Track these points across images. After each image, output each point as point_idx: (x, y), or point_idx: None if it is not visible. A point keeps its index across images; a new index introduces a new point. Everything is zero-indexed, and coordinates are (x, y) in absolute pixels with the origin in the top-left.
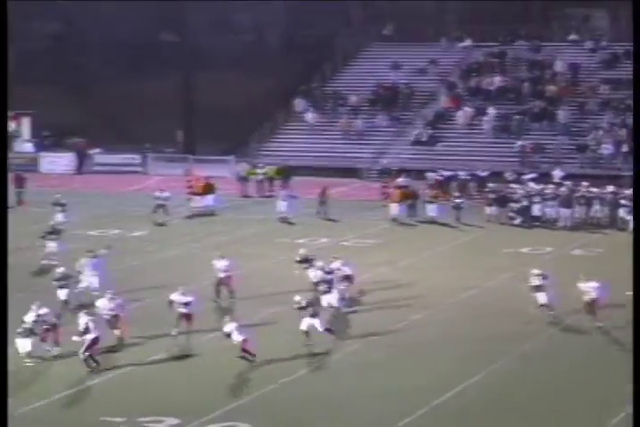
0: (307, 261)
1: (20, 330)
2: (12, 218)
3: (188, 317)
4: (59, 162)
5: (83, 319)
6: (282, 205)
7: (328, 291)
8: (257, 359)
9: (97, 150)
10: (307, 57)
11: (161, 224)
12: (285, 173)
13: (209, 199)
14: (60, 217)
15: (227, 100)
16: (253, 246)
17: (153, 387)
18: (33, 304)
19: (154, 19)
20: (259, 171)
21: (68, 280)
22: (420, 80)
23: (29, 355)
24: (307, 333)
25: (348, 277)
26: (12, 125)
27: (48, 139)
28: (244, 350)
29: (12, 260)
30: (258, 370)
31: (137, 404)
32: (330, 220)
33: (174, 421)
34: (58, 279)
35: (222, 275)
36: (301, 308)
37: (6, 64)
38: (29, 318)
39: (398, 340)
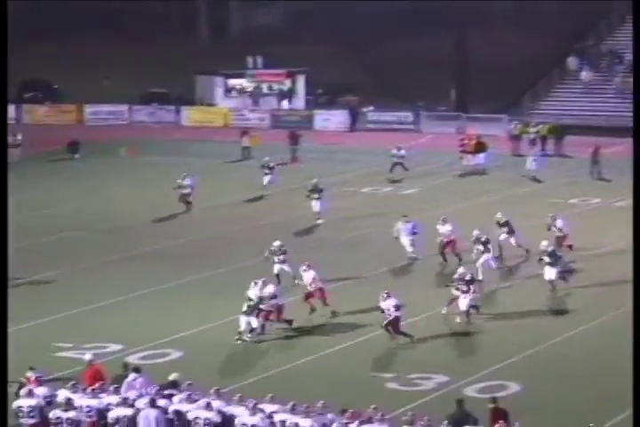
0: (504, 225)
1: (244, 308)
2: (285, 174)
3: (456, 299)
4: (332, 119)
5: (269, 288)
6: (530, 164)
7: (551, 264)
8: (516, 319)
9: (370, 108)
10: (582, 15)
11: (396, 181)
12: (558, 131)
13: (480, 158)
14: (266, 180)
15: (500, 58)
16: (524, 206)
17: (421, 346)
18: (256, 280)
19: None
20: (531, 129)
21: (285, 255)
22: None
23: (251, 332)
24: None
25: (562, 238)
26: (286, 83)
27: (322, 96)
28: (387, 328)
29: (283, 217)
30: (523, 330)
31: (405, 361)
32: (603, 180)
33: (443, 378)
34: (273, 253)
35: (446, 239)
36: (462, 282)
37: (6, 63)
38: (252, 294)
39: None
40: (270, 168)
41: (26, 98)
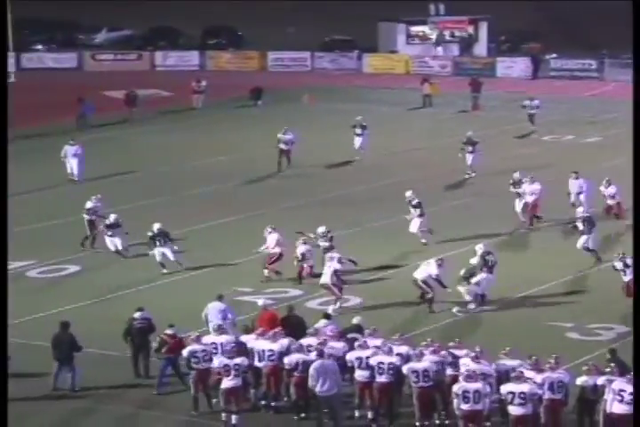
0: (517, 184)
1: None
2: (465, 121)
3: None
4: (514, 67)
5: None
6: None
7: (583, 232)
8: None
9: (553, 55)
10: None
11: (525, 136)
12: None
13: None
14: (357, 141)
15: None
16: None
17: (601, 296)
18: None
19: None
20: None
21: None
22: None
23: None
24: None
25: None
26: (468, 30)
27: (504, 43)
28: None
29: (436, 159)
30: None
31: (585, 311)
32: None
33: (624, 329)
34: (317, 239)
35: (531, 199)
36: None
37: (6, 60)
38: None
39: None
40: (363, 127)
41: (210, 44)
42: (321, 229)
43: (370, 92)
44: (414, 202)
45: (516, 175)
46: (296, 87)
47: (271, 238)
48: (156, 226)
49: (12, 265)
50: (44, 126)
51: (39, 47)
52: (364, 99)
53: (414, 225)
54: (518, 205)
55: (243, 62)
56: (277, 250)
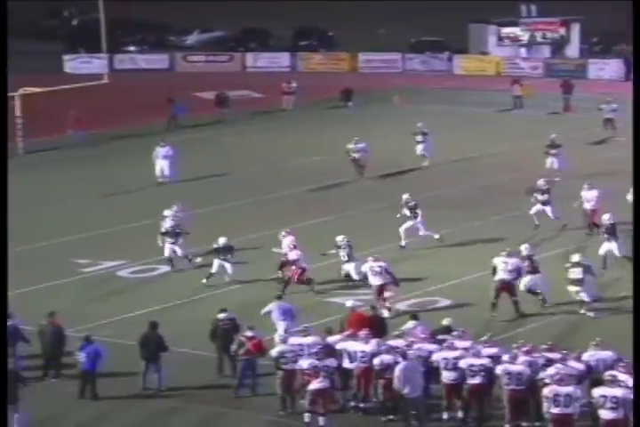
0: (545, 192)
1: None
2: (556, 123)
3: None
4: (607, 68)
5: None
6: None
7: (608, 239)
8: None
9: None
10: None
11: (601, 142)
12: None
13: None
14: (419, 149)
15: None
16: None
17: None
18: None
19: None
20: None
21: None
22: None
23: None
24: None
25: None
26: (560, 31)
27: (596, 45)
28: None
29: (525, 162)
30: None
31: None
32: None
33: None
34: (339, 248)
35: (589, 206)
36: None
37: (6, 59)
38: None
39: None
40: (424, 134)
41: (301, 45)
42: (339, 238)
43: (460, 94)
44: (411, 204)
45: (541, 182)
46: (386, 88)
47: (286, 242)
48: (222, 240)
49: (104, 265)
50: (137, 127)
51: (131, 48)
52: (454, 100)
53: (405, 227)
54: (536, 212)
55: (333, 64)
56: (289, 253)
